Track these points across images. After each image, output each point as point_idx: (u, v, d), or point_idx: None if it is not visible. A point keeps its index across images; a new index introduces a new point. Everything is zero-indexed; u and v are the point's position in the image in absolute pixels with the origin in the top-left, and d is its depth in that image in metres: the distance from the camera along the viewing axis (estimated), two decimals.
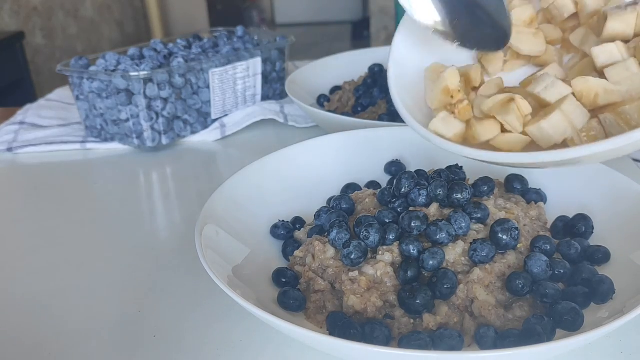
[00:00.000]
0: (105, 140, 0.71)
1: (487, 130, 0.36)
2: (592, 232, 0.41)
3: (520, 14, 0.41)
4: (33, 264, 0.47)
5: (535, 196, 0.44)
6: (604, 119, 0.33)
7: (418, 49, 0.43)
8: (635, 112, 0.32)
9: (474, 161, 0.42)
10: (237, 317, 0.39)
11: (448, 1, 0.38)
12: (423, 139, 0.38)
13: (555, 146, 0.34)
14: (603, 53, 0.35)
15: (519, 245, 0.38)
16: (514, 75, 0.42)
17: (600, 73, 0.35)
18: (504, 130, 0.36)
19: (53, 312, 0.41)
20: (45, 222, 0.55)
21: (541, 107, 0.36)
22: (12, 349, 0.37)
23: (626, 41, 0.36)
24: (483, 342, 0.32)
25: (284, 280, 0.39)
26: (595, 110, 0.34)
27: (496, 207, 0.41)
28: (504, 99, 0.36)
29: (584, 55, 0.39)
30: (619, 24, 0.35)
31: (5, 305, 0.42)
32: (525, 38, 0.41)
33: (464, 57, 0.44)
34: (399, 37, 0.43)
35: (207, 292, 0.41)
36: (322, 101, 0.77)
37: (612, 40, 0.35)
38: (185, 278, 0.44)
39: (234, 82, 0.73)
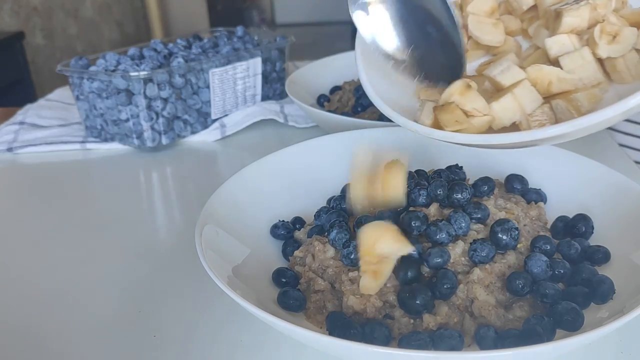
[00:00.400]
0: (105, 140, 0.71)
1: (450, 120, 0.37)
2: (592, 232, 0.41)
3: (481, 4, 0.42)
4: (33, 263, 0.47)
5: (535, 196, 0.44)
6: (555, 104, 0.34)
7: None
8: (585, 99, 0.34)
9: (474, 161, 0.42)
10: (237, 317, 0.39)
11: (406, 28, 0.39)
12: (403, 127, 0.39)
13: (506, 128, 0.35)
14: (555, 44, 0.36)
15: (519, 245, 0.38)
16: (474, 65, 0.43)
17: (553, 64, 0.36)
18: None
19: (53, 312, 0.41)
20: (45, 222, 0.55)
21: (497, 91, 0.37)
22: (12, 349, 0.37)
23: (579, 34, 0.37)
24: (483, 342, 0.32)
25: (284, 280, 0.39)
26: (548, 98, 0.35)
27: (496, 207, 0.41)
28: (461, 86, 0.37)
29: (537, 47, 0.40)
30: (574, 18, 0.36)
31: (5, 305, 0.42)
32: (485, 28, 0.42)
33: None
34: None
35: (207, 292, 0.41)
36: (322, 101, 0.77)
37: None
38: (185, 278, 0.44)
39: (234, 82, 0.73)
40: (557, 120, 0.34)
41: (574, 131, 0.31)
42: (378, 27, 0.39)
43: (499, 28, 0.42)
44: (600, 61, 0.36)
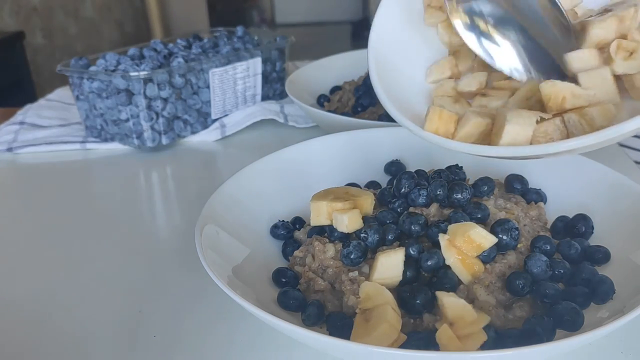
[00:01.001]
0: (105, 140, 0.71)
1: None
2: (592, 232, 0.41)
3: None
4: (33, 264, 0.47)
5: (535, 196, 0.44)
6: (567, 118, 0.34)
7: (399, 39, 0.43)
8: (599, 114, 0.33)
9: (474, 161, 0.42)
10: (237, 317, 0.39)
11: (523, 47, 0.39)
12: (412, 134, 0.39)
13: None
14: (575, 60, 0.36)
15: (519, 245, 0.38)
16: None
17: (570, 79, 0.36)
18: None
19: (53, 312, 0.41)
20: (45, 222, 0.55)
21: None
22: (12, 349, 0.37)
23: (603, 48, 0.36)
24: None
25: (284, 280, 0.39)
26: (560, 113, 0.35)
27: (496, 207, 0.41)
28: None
29: None
30: (601, 30, 0.36)
31: (5, 305, 0.42)
32: None
33: (436, 46, 0.46)
34: (377, 29, 0.43)
35: (207, 292, 0.41)
36: (322, 101, 0.77)
37: (594, 46, 0.36)
38: (185, 278, 0.44)
39: (234, 82, 0.73)
40: (568, 134, 0.34)
41: (589, 145, 0.31)
42: (495, 51, 0.39)
43: None
44: (617, 78, 0.35)
